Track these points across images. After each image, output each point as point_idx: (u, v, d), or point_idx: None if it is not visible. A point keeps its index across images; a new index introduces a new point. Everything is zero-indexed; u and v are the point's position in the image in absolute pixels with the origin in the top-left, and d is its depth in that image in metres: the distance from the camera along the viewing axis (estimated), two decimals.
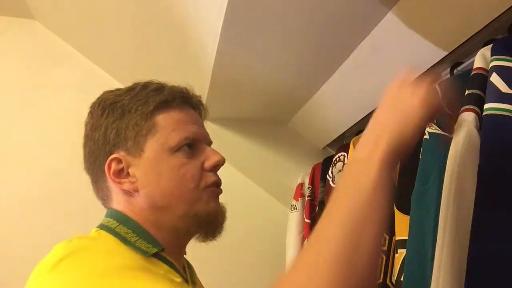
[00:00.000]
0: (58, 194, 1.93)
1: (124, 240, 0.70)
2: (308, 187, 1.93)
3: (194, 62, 1.63)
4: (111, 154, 0.75)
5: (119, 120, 0.76)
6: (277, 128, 2.12)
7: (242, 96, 1.76)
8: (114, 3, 1.61)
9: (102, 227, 0.74)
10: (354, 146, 1.47)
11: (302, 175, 2.00)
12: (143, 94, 0.77)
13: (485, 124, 0.85)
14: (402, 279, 1.05)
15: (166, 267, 0.70)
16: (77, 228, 1.95)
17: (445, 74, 1.19)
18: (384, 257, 1.17)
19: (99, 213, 2.13)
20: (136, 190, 0.74)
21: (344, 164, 1.56)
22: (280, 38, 1.34)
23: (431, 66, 1.22)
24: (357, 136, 1.57)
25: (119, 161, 0.75)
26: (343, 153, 1.60)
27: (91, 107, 0.81)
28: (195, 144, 0.78)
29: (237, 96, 1.76)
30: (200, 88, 1.73)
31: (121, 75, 2.05)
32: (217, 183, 0.78)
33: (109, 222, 0.74)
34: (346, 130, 1.80)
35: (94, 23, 1.80)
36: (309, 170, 1.96)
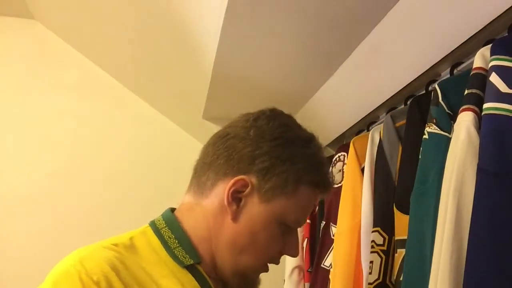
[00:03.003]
0: (57, 194, 1.93)
1: (165, 244, 0.71)
2: None
3: (194, 62, 1.63)
4: (243, 173, 0.71)
5: (278, 159, 0.72)
6: None
7: (242, 96, 1.76)
8: (114, 3, 1.61)
9: (152, 225, 0.75)
10: (354, 146, 1.47)
11: None
12: (311, 158, 0.75)
13: (484, 123, 0.85)
14: (401, 278, 1.06)
15: (194, 283, 0.70)
16: (77, 228, 1.96)
17: (445, 74, 1.19)
18: (384, 257, 1.17)
19: (99, 213, 2.11)
20: (234, 220, 0.72)
21: (344, 164, 1.55)
22: (280, 38, 1.34)
23: (431, 66, 1.22)
24: (357, 136, 1.57)
25: (244, 185, 0.71)
26: (343, 153, 1.59)
27: (272, 113, 0.78)
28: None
29: (237, 95, 1.76)
30: (200, 88, 1.74)
31: (121, 75, 2.05)
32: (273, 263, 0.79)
33: (159, 221, 0.75)
34: (346, 130, 1.80)
35: (94, 23, 1.80)
36: None
